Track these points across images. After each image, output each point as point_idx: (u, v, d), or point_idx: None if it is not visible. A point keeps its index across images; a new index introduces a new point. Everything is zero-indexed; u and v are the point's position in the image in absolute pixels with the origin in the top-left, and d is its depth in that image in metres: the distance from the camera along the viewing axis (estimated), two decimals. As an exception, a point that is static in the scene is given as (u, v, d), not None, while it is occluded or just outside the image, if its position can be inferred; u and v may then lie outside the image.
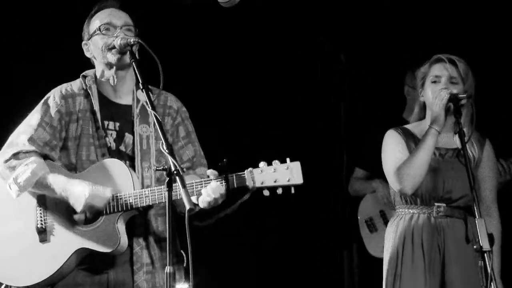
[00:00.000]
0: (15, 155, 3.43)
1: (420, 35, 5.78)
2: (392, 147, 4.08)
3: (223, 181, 3.34)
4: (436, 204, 3.96)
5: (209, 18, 5.56)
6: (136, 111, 3.56)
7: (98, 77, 3.56)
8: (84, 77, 3.58)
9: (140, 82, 3.26)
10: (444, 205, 3.95)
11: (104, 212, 3.41)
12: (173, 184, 3.15)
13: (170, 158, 3.06)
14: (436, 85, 3.96)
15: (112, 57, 3.45)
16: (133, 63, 3.37)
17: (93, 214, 3.43)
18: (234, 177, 3.32)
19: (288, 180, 3.32)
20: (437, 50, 4.12)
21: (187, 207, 2.96)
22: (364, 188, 5.43)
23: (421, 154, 3.88)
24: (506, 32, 5.71)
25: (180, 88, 3.72)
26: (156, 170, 3.26)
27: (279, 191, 3.32)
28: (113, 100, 3.56)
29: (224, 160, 3.32)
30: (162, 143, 3.12)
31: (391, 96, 5.58)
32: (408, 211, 4.04)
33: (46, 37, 4.99)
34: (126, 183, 3.42)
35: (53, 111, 3.49)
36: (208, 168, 3.48)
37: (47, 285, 3.47)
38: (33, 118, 3.50)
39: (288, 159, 3.33)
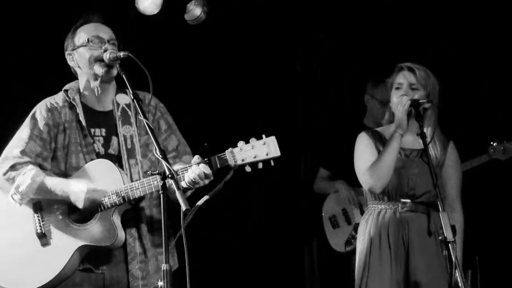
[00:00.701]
0: (12, 167, 3.53)
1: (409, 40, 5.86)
2: (363, 150, 4.24)
3: (207, 164, 3.40)
4: (401, 200, 4.12)
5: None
6: (117, 114, 3.65)
7: (81, 89, 3.64)
8: (66, 90, 3.65)
9: (131, 92, 3.37)
10: (409, 201, 4.11)
11: (99, 209, 3.52)
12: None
13: (164, 163, 3.16)
14: (399, 91, 4.11)
15: (99, 70, 3.54)
16: (123, 75, 3.43)
17: (89, 213, 3.51)
18: (216, 158, 3.40)
19: (267, 154, 3.41)
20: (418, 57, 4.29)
21: (183, 208, 3.06)
22: (328, 188, 5.56)
23: (387, 156, 4.04)
24: (470, 38, 5.87)
25: (163, 88, 3.77)
26: (151, 174, 3.35)
27: (260, 165, 3.42)
28: (97, 109, 3.64)
29: (205, 144, 3.38)
30: (156, 148, 3.21)
31: (356, 103, 5.74)
32: (377, 206, 4.20)
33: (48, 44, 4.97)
34: (116, 179, 3.53)
35: (41, 124, 3.58)
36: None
37: (51, 287, 3.54)
38: (23, 132, 3.59)
39: (263, 135, 3.42)
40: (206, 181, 3.42)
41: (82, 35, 3.61)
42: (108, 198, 3.50)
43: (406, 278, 4.10)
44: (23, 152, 3.55)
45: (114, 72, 3.54)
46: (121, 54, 3.46)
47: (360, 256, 4.20)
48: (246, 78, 6.24)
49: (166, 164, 3.16)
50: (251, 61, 6.23)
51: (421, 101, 4.01)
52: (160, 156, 3.19)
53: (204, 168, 3.38)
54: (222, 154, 3.40)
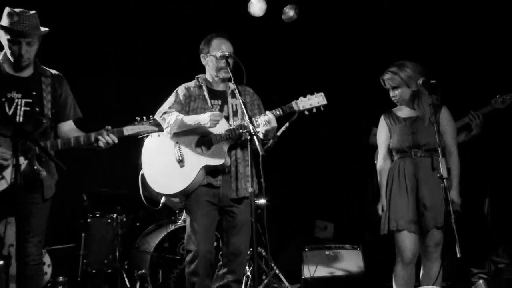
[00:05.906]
0: (164, 113, 4.69)
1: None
2: (379, 131, 4.91)
3: (280, 110, 4.40)
4: (413, 150, 4.71)
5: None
6: (228, 92, 4.83)
7: (207, 78, 4.86)
8: (197, 77, 4.88)
9: (232, 80, 4.53)
10: (419, 150, 4.70)
11: (214, 142, 4.56)
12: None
13: (250, 126, 4.27)
14: (390, 92, 4.84)
15: (222, 74, 4.74)
16: (229, 70, 4.54)
17: (209, 144, 4.56)
18: (286, 107, 4.45)
19: (318, 103, 4.38)
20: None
21: (261, 153, 4.06)
22: None
23: None
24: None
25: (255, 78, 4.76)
26: (241, 131, 4.54)
27: (314, 110, 4.38)
28: (216, 89, 4.86)
29: (276, 97, 4.44)
30: (245, 116, 4.36)
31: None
32: (396, 156, 4.83)
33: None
34: (224, 123, 4.59)
35: (181, 95, 4.80)
36: None
37: (186, 192, 4.57)
38: (170, 99, 4.81)
39: (315, 92, 4.40)
40: (274, 126, 4.45)
41: (214, 48, 4.72)
42: (220, 135, 4.54)
43: (417, 203, 4.65)
44: (170, 108, 4.73)
45: (228, 74, 4.63)
46: (227, 53, 4.61)
47: (384, 191, 4.83)
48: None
49: (252, 126, 4.27)
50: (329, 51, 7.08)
51: (431, 81, 4.47)
52: (248, 120, 4.31)
53: (270, 116, 4.44)
54: (289, 104, 4.46)
